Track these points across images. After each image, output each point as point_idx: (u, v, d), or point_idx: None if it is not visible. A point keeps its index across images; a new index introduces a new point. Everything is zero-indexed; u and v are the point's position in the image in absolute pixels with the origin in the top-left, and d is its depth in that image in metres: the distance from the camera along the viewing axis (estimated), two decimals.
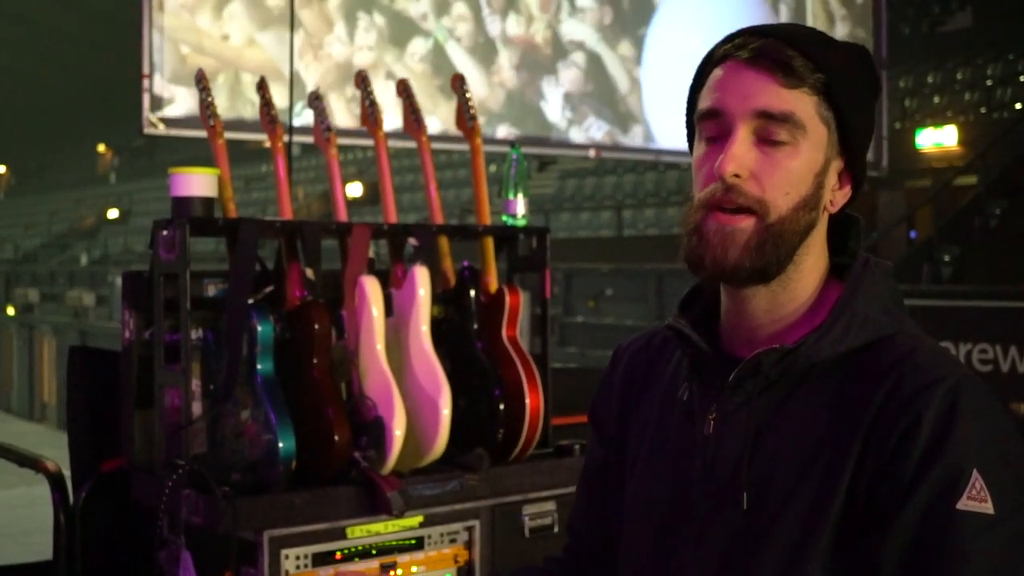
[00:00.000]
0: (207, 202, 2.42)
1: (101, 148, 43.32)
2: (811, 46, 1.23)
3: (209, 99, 2.55)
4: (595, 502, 1.49)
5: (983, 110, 16.23)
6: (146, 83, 4.23)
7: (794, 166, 1.22)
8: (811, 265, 1.27)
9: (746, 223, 1.22)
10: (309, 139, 3.52)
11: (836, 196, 1.27)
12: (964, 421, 1.15)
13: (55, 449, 2.92)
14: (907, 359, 1.20)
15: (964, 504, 1.13)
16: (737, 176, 1.21)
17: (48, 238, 34.58)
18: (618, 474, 1.42)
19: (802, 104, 1.22)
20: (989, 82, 16.47)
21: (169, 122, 4.24)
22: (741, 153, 1.21)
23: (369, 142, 3.36)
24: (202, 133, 4.15)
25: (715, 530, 1.25)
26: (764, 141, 1.22)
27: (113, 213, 34.09)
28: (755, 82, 1.22)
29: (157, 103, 4.21)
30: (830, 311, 1.24)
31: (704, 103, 1.26)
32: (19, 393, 19.69)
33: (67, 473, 2.63)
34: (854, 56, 1.28)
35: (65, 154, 45.83)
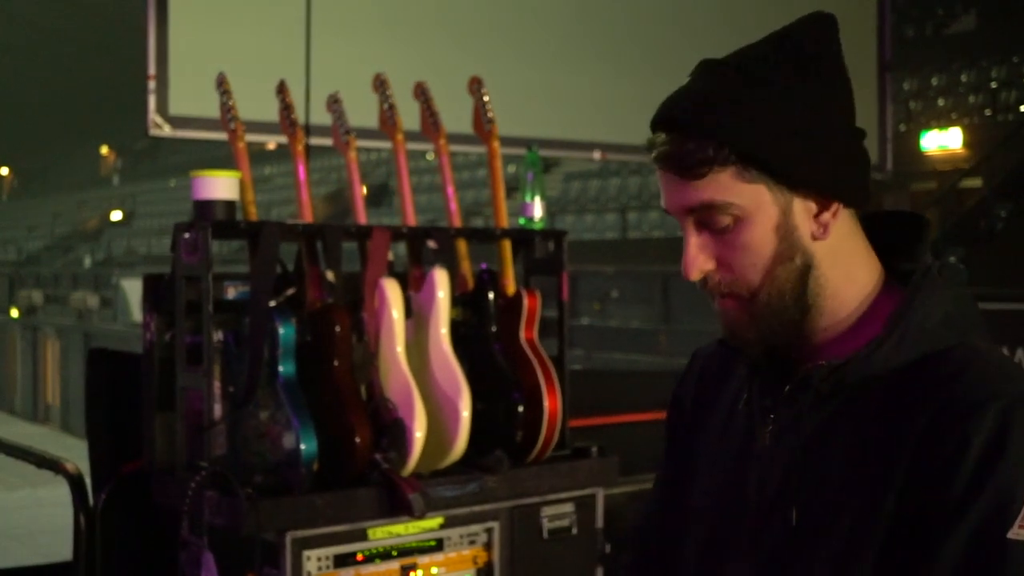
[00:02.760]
0: (229, 205, 2.43)
1: (104, 150, 43.37)
2: (710, 120, 1.18)
3: (230, 102, 2.56)
4: (657, 515, 1.46)
5: (988, 112, 16.25)
6: (151, 84, 4.21)
7: (747, 239, 1.21)
8: (842, 284, 1.23)
9: (732, 303, 1.24)
10: (316, 141, 3.52)
11: (824, 220, 1.22)
12: (1016, 446, 1.10)
13: (59, 451, 2.93)
14: (961, 375, 1.16)
15: (1015, 533, 1.09)
16: (704, 272, 1.23)
17: (51, 240, 34.61)
18: (684, 483, 1.40)
19: (718, 184, 1.19)
20: (994, 84, 16.49)
21: (175, 123, 4.22)
22: (694, 255, 1.22)
23: (372, 144, 3.37)
24: (208, 135, 4.15)
25: (764, 545, 1.23)
26: (710, 230, 1.22)
27: (116, 215, 34.14)
28: (670, 184, 1.22)
29: (163, 104, 4.20)
30: (884, 323, 1.21)
31: None
32: (23, 395, 19.70)
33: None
34: (771, 84, 1.20)
35: (68, 156, 45.86)
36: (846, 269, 1.24)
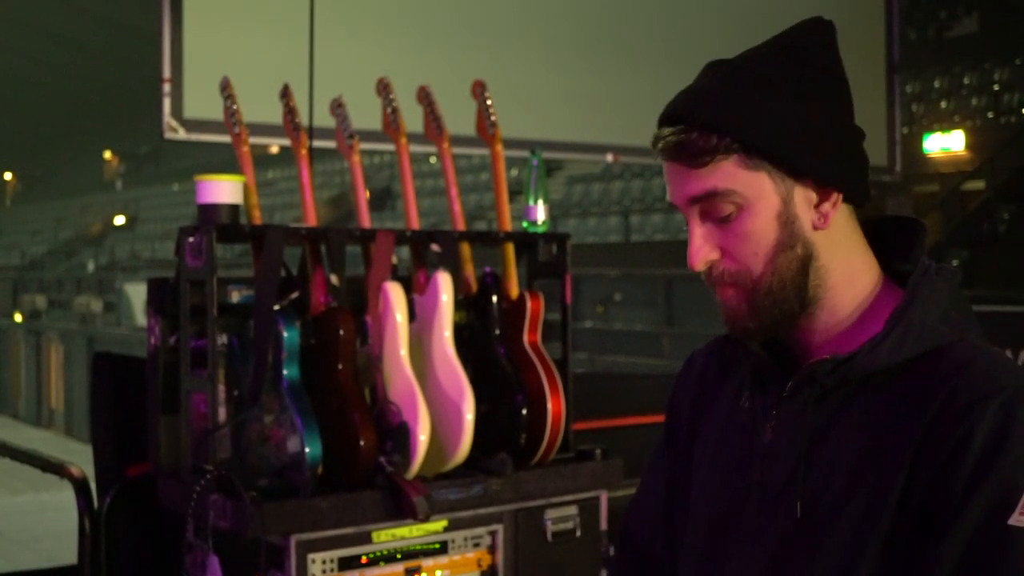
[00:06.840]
0: (233, 209, 2.44)
1: (107, 155, 43.40)
2: (714, 112, 1.22)
3: (234, 107, 2.56)
4: (658, 509, 1.47)
5: (990, 115, 16.23)
6: (166, 88, 4.21)
7: (749, 227, 1.24)
8: (842, 279, 1.26)
9: (733, 292, 1.26)
10: (320, 144, 3.53)
11: (824, 209, 1.25)
12: (1018, 437, 1.13)
13: (63, 455, 2.93)
14: (963, 369, 1.18)
15: (1017, 520, 1.11)
16: (708, 262, 1.26)
17: (55, 244, 34.67)
18: (684, 486, 1.41)
19: (721, 172, 1.22)
20: (996, 87, 16.48)
21: (189, 127, 4.23)
22: (699, 245, 1.26)
23: (376, 147, 3.37)
24: (222, 138, 4.16)
25: (768, 537, 1.25)
26: (713, 219, 1.25)
27: (120, 219, 34.18)
28: (675, 175, 1.26)
29: (177, 108, 4.20)
30: (887, 320, 1.23)
31: None
32: (27, 399, 19.72)
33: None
34: (771, 80, 1.24)
35: (72, 161, 45.92)
36: (846, 265, 1.27)
